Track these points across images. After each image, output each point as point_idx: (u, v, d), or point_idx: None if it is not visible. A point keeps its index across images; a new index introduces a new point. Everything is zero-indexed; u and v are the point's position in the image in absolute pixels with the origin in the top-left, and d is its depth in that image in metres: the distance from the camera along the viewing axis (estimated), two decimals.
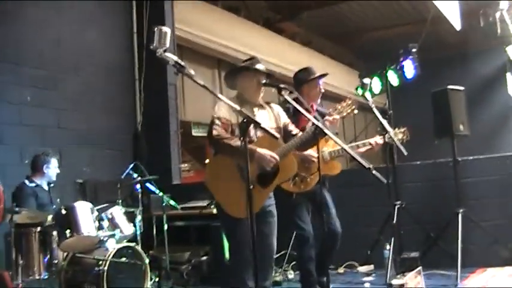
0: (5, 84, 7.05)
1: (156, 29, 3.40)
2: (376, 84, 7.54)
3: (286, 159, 4.28)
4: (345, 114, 4.53)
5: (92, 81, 8.28)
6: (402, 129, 5.62)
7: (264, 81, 4.36)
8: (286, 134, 4.48)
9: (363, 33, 15.18)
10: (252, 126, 3.65)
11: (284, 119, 4.56)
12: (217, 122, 4.16)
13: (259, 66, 4.39)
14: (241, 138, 3.51)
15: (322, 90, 5.44)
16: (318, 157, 4.51)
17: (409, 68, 7.33)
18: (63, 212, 5.48)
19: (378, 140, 5.46)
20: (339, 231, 5.26)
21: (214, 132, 4.12)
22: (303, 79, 5.40)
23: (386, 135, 5.52)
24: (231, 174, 4.10)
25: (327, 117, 4.48)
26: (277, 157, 4.11)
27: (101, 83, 8.44)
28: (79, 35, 8.13)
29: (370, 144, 5.42)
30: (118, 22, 8.99)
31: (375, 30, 14.86)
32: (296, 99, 4.50)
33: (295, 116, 4.86)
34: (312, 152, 4.79)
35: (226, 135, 4.11)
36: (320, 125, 4.21)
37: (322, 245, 5.21)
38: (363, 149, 5.40)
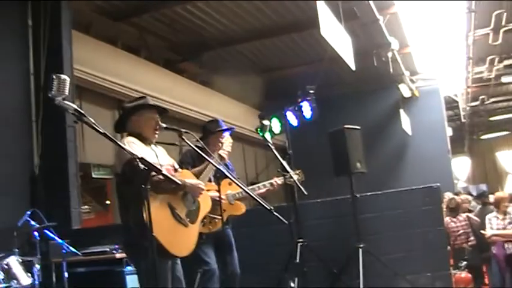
0: None
1: (54, 76, 3.35)
2: (275, 124, 7.72)
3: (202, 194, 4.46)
4: (229, 149, 4.88)
5: None
6: (297, 171, 5.90)
7: (164, 125, 4.43)
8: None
9: (264, 73, 15.52)
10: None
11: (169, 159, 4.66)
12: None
13: (153, 103, 4.50)
14: (143, 185, 3.51)
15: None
16: (220, 199, 4.66)
17: (307, 109, 7.58)
18: None
19: (278, 180, 5.71)
20: (239, 272, 5.40)
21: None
22: (211, 130, 5.61)
23: (287, 175, 5.71)
24: (165, 213, 4.12)
25: (220, 152, 4.73)
26: (203, 184, 4.21)
27: None
28: None
29: (271, 184, 5.65)
30: (14, 64, 8.73)
31: (275, 69, 15.24)
32: (206, 143, 4.68)
33: (200, 158, 4.97)
34: (216, 194, 4.91)
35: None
36: (221, 168, 4.36)
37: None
38: (263, 190, 5.65)
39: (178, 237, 4.15)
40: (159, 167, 3.87)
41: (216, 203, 4.91)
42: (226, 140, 5.33)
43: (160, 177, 3.93)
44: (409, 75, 15.52)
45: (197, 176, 4.64)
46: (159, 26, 11.94)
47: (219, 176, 4.81)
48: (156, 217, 4.03)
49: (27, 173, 8.63)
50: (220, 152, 5.11)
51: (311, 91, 7.33)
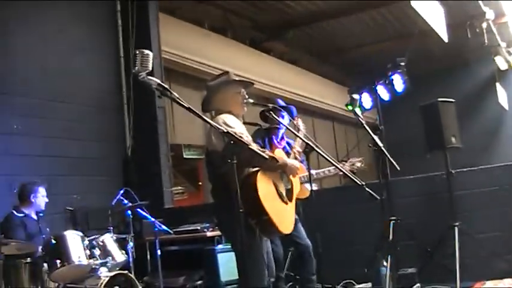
0: None
1: (137, 52, 3.35)
2: (366, 99, 7.50)
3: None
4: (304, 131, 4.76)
5: (80, 108, 8.21)
6: (359, 158, 5.74)
7: (251, 100, 4.34)
8: None
9: (351, 49, 15.20)
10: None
11: None
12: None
13: (238, 78, 4.41)
14: (230, 160, 3.46)
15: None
16: (310, 174, 4.56)
17: (398, 82, 7.32)
18: (53, 241, 5.40)
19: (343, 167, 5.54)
20: (310, 244, 5.42)
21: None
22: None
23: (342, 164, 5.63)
24: (272, 192, 4.10)
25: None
26: (297, 164, 4.19)
27: (89, 109, 8.38)
28: (66, 62, 8.08)
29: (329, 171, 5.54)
30: (105, 48, 8.96)
31: (362, 45, 14.87)
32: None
33: (268, 140, 4.92)
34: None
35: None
36: (311, 143, 4.24)
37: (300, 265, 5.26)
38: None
39: (285, 215, 4.11)
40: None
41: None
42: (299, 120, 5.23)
43: (264, 155, 3.86)
44: (505, 47, 14.78)
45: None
46: (243, 5, 11.89)
47: (307, 151, 4.66)
48: (267, 195, 4.03)
49: (120, 155, 8.86)
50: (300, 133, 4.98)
51: (402, 63, 7.06)
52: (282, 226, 4.06)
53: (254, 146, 3.77)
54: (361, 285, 6.88)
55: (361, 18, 13.09)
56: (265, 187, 4.01)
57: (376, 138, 5.47)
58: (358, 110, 5.66)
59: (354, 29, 13.75)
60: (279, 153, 4.42)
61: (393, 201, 6.54)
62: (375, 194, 4.38)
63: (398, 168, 5.39)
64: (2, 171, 6.88)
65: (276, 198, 4.10)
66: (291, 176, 4.40)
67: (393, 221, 6.25)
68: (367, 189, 4.27)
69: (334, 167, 5.46)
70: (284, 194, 4.23)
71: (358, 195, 4.98)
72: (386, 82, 7.28)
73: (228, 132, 3.49)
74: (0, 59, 7.16)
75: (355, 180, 4.32)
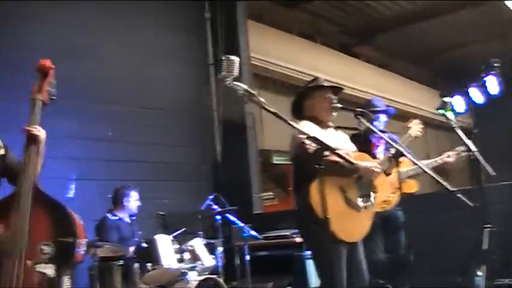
0: (88, 122, 7.24)
1: (223, 58, 3.37)
2: (458, 103, 7.25)
3: (380, 177, 4.26)
4: (419, 134, 4.55)
5: (171, 115, 8.39)
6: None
7: (340, 105, 4.28)
8: None
9: (442, 52, 14.81)
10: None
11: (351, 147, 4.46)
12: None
13: (326, 84, 4.34)
14: (317, 165, 3.41)
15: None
16: (398, 177, 4.47)
17: (493, 84, 7.01)
18: (145, 245, 5.53)
19: (451, 154, 5.38)
20: (406, 259, 5.18)
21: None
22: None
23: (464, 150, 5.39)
24: (335, 197, 3.99)
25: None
26: (379, 167, 4.06)
27: (180, 115, 8.54)
28: (156, 71, 8.28)
29: (442, 160, 5.36)
30: (194, 55, 9.12)
31: (454, 47, 14.47)
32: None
33: (366, 141, 4.82)
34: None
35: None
36: (401, 148, 4.14)
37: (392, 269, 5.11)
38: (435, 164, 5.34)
39: (348, 223, 3.93)
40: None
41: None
42: (415, 124, 5.14)
43: (334, 158, 3.81)
44: None
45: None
46: (331, 10, 11.84)
47: (397, 156, 4.55)
48: (327, 200, 3.97)
49: (210, 160, 8.98)
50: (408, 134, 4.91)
51: (496, 64, 6.77)
52: (342, 233, 3.89)
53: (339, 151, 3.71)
54: None
55: (452, 19, 12.73)
56: (327, 191, 3.94)
57: (469, 142, 5.26)
58: (450, 114, 5.43)
59: (445, 30, 13.38)
60: (362, 156, 4.30)
61: (488, 208, 6.28)
62: (468, 201, 4.21)
63: (493, 173, 5.18)
64: (97, 176, 7.14)
65: (338, 204, 3.95)
66: (377, 182, 4.29)
67: (488, 229, 6.00)
68: (460, 195, 4.12)
69: (439, 158, 5.43)
70: (356, 200, 4.07)
71: (451, 201, 4.84)
72: (480, 84, 7.00)
73: (314, 136, 3.45)
74: (94, 68, 7.40)
75: (446, 186, 4.17)
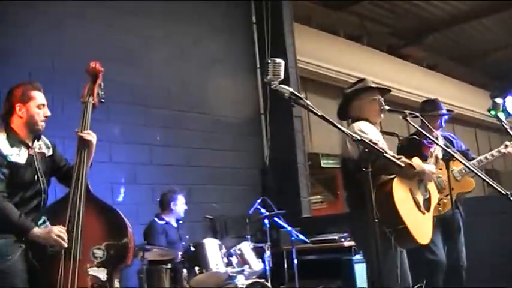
0: (136, 126, 7.32)
1: (269, 61, 3.35)
2: (510, 103, 7.06)
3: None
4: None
5: (219, 119, 8.41)
6: None
7: (388, 107, 4.22)
8: None
9: (493, 52, 14.50)
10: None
11: None
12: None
13: (374, 85, 4.30)
14: (365, 168, 3.35)
15: (442, 126, 5.35)
16: (449, 179, 4.37)
17: None
18: (192, 248, 5.54)
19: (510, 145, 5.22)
20: (465, 263, 5.05)
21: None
22: (426, 110, 5.30)
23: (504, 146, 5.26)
24: (409, 200, 4.02)
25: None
26: (434, 169, 4.11)
27: (228, 119, 8.55)
28: (204, 75, 8.32)
29: (499, 152, 5.18)
30: (241, 59, 9.12)
31: (504, 47, 14.13)
32: (421, 126, 4.41)
33: (417, 142, 4.76)
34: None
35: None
36: (450, 151, 4.07)
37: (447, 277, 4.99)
38: (491, 159, 5.18)
39: (421, 225, 3.97)
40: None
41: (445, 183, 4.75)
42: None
43: (399, 162, 3.74)
44: None
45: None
46: (379, 11, 11.71)
47: (447, 159, 4.46)
48: (403, 203, 3.93)
49: (258, 164, 8.97)
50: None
51: None
52: (419, 236, 3.92)
53: (390, 154, 3.63)
54: None
55: (502, 18, 12.42)
56: (401, 194, 3.92)
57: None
58: (501, 115, 5.28)
59: (495, 30, 13.08)
60: (416, 161, 4.25)
61: None
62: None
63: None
64: (145, 180, 7.21)
65: (412, 207, 3.99)
66: (429, 186, 4.25)
67: None
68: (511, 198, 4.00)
69: (496, 151, 5.28)
70: (421, 203, 4.10)
71: (503, 205, 4.70)
72: None
73: (362, 139, 3.38)
74: (143, 73, 7.49)
75: (499, 189, 4.05)
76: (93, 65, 3.88)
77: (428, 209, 4.17)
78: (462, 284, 4.97)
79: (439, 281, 5.01)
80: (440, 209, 4.91)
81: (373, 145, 3.37)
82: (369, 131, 4.00)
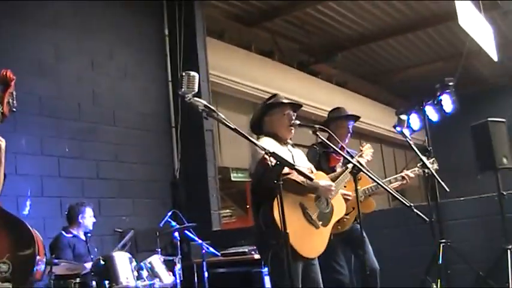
0: (44, 138, 7.15)
1: (184, 74, 3.38)
2: (414, 120, 7.39)
3: (336, 198, 4.34)
4: (370, 158, 4.55)
5: (130, 131, 8.34)
6: (431, 159, 5.53)
7: (298, 122, 4.33)
8: None
9: (399, 71, 15.10)
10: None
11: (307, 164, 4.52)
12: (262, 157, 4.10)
13: (286, 101, 4.39)
14: (276, 181, 3.43)
15: (350, 132, 5.38)
16: (357, 194, 4.43)
17: (447, 102, 7.16)
18: (102, 262, 5.45)
19: (409, 173, 5.35)
20: (377, 268, 5.14)
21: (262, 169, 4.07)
22: (332, 118, 5.39)
23: (427, 171, 5.39)
24: (296, 213, 4.05)
25: (360, 159, 4.47)
26: (334, 186, 4.13)
27: (138, 132, 8.49)
28: (115, 87, 8.25)
29: (403, 177, 5.31)
30: (153, 71, 9.08)
31: (410, 66, 14.76)
32: (329, 139, 4.51)
33: (325, 155, 4.86)
34: (345, 192, 4.77)
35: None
36: (356, 163, 4.18)
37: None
38: (395, 184, 5.30)
39: (308, 239, 4.00)
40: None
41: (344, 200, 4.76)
42: (367, 149, 5.15)
43: (293, 175, 3.86)
44: None
45: (333, 180, 4.50)
46: (291, 28, 11.96)
47: (355, 173, 4.55)
48: (287, 216, 3.99)
49: (169, 177, 8.94)
50: (360, 159, 4.86)
51: (450, 83, 6.93)
52: (303, 249, 3.97)
53: (299, 167, 3.72)
54: None
55: (409, 39, 13.02)
56: (286, 208, 3.99)
57: (424, 159, 5.35)
58: (406, 131, 5.52)
59: (402, 50, 13.67)
60: (320, 175, 4.37)
61: (444, 224, 6.39)
62: (424, 216, 4.27)
63: (448, 189, 5.26)
64: (52, 193, 7.04)
65: (298, 220, 4.02)
66: (335, 201, 4.35)
67: (443, 244, 6.10)
68: (415, 210, 4.19)
69: (393, 178, 5.33)
70: (316, 217, 4.15)
71: (407, 217, 4.92)
72: (435, 102, 7.13)
73: (273, 152, 3.45)
74: (53, 84, 7.35)
75: (403, 201, 4.24)
76: (4, 73, 3.76)
77: (325, 224, 4.22)
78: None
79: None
80: (339, 227, 4.91)
81: (282, 158, 3.46)
82: (268, 146, 4.07)
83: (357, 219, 5.03)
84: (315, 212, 4.16)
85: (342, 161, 5.20)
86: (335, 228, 4.91)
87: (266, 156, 3.74)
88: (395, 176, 5.36)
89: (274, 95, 4.52)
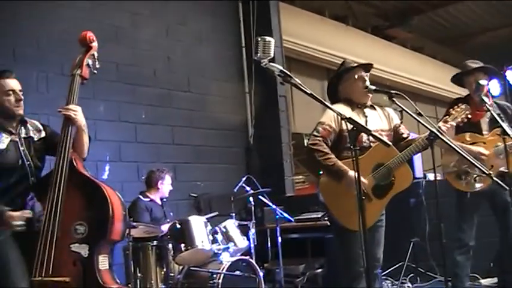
0: (121, 104, 7.32)
1: (259, 39, 3.36)
2: (494, 86, 7.13)
3: (401, 169, 4.13)
4: (459, 119, 4.28)
5: (204, 97, 8.43)
6: None
7: (373, 87, 4.23)
8: (397, 137, 4.33)
9: (477, 34, 14.54)
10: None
11: (396, 120, 4.40)
12: (318, 127, 4.13)
13: (354, 64, 4.30)
14: (352, 146, 3.39)
15: None
16: (434, 163, 4.31)
17: None
18: (178, 226, 5.56)
19: None
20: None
21: (311, 141, 4.11)
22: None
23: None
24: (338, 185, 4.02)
25: (441, 124, 4.25)
26: (366, 183, 3.94)
27: (213, 98, 8.57)
28: (189, 53, 8.31)
29: None
30: (227, 38, 9.11)
31: (489, 29, 14.19)
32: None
33: None
34: (482, 150, 4.84)
35: (322, 150, 4.04)
36: (435, 130, 3.99)
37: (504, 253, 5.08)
38: None
39: (354, 211, 3.55)
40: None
41: (479, 159, 4.69)
42: (462, 111, 4.30)
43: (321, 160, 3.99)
44: None
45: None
46: None
47: (432, 139, 4.27)
48: (336, 188, 4.00)
49: (243, 143, 9.01)
50: (451, 121, 4.24)
51: None
52: (346, 221, 3.97)
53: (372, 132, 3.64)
54: (486, 280, 6.56)
55: (486, 1, 12.45)
56: (331, 180, 4.05)
57: (505, 126, 5.12)
58: (486, 97, 5.31)
59: (480, 12, 13.13)
60: (378, 148, 4.06)
61: None
62: (503, 184, 4.13)
63: None
64: (129, 158, 7.22)
65: (346, 192, 3.90)
66: (397, 171, 4.11)
67: None
68: (495, 178, 4.04)
69: None
70: (369, 189, 4.01)
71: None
72: None
73: (350, 118, 3.40)
74: (130, 51, 7.48)
75: (482, 169, 4.09)
76: (84, 35, 3.80)
77: (379, 196, 4.08)
78: None
79: (464, 260, 5.12)
80: (478, 185, 4.92)
81: (357, 123, 3.41)
82: (343, 112, 3.99)
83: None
84: (370, 184, 4.05)
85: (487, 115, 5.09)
86: (472, 187, 4.90)
87: (328, 128, 4.06)
88: None
89: (343, 63, 4.44)
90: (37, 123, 3.83)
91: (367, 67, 4.30)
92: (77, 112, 3.65)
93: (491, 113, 4.91)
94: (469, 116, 4.33)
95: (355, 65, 4.31)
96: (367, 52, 11.78)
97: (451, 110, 4.30)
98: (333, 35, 11.43)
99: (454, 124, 4.24)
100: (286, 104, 9.27)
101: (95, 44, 3.81)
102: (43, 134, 3.80)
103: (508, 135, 4.56)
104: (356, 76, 4.22)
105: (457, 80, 5.43)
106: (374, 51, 12.27)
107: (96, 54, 3.81)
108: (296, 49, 10.42)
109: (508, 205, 4.83)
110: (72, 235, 3.46)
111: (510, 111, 5.29)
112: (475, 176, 4.85)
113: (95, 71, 3.79)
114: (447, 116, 4.26)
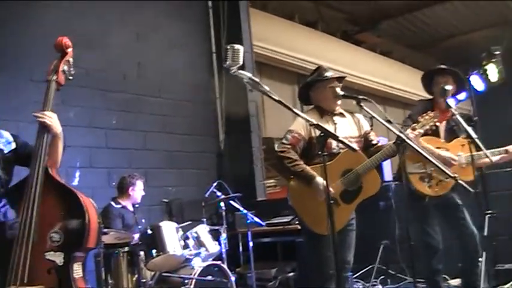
0: (92, 110, 7.29)
1: (228, 47, 3.40)
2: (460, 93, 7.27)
3: (369, 174, 4.20)
4: (427, 127, 4.37)
5: (175, 103, 8.43)
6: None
7: (342, 92, 4.30)
8: (367, 144, 4.41)
9: (444, 39, 14.76)
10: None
11: (366, 127, 4.48)
12: (287, 135, 4.24)
13: (329, 74, 4.35)
14: (321, 152, 3.45)
15: None
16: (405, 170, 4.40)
17: (493, 72, 7.04)
18: (149, 231, 5.56)
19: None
20: (476, 232, 5.09)
21: (280, 148, 4.23)
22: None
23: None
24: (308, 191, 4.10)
25: (409, 131, 4.33)
26: (333, 191, 3.96)
27: (184, 103, 8.57)
28: (161, 59, 8.30)
29: (506, 151, 5.09)
30: (197, 43, 9.13)
31: (456, 35, 14.41)
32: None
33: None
34: (452, 155, 4.90)
35: (290, 157, 4.15)
36: (404, 136, 4.05)
37: (465, 255, 5.11)
38: (497, 157, 5.16)
39: (322, 215, 3.65)
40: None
41: (448, 164, 4.79)
42: (430, 119, 4.40)
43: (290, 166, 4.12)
44: None
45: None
46: None
47: (399, 143, 4.35)
48: (305, 193, 4.10)
49: (214, 148, 9.03)
50: (418, 129, 4.36)
51: (497, 52, 6.78)
52: (316, 226, 4.06)
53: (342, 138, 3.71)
54: (454, 281, 6.68)
55: (454, 6, 12.66)
56: (300, 185, 4.17)
57: (470, 130, 5.24)
58: (451, 101, 5.42)
59: (448, 17, 13.34)
60: (346, 154, 4.14)
61: (489, 195, 6.30)
62: (468, 187, 4.22)
63: (493, 160, 5.16)
64: (101, 164, 7.20)
65: (314, 197, 4.02)
66: (365, 177, 4.20)
67: (489, 215, 6.01)
68: (460, 181, 4.13)
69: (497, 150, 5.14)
70: (337, 194, 4.09)
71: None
72: (481, 72, 7.01)
73: (318, 124, 3.48)
74: (100, 57, 7.44)
75: (448, 173, 4.17)
76: (60, 40, 3.75)
77: (348, 202, 4.16)
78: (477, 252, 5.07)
79: (436, 264, 5.16)
80: (437, 189, 4.95)
81: (326, 130, 3.47)
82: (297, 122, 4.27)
83: (455, 187, 4.91)
84: (339, 189, 4.12)
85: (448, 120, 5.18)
86: (433, 191, 4.94)
87: (297, 136, 4.17)
88: (498, 149, 5.19)
89: (318, 68, 4.50)
90: (7, 134, 3.77)
91: (340, 79, 4.38)
92: (52, 119, 3.60)
93: (457, 118, 5.01)
94: (437, 124, 4.44)
95: (330, 76, 4.35)
96: (337, 56, 11.88)
97: (420, 117, 4.39)
98: (303, 39, 11.50)
99: (422, 132, 4.34)
100: (257, 109, 9.31)
101: (70, 50, 3.78)
102: (13, 146, 3.74)
103: (476, 142, 4.67)
104: (328, 86, 4.29)
105: (426, 82, 5.49)
106: (343, 56, 12.37)
107: (71, 60, 3.77)
108: (267, 54, 10.45)
109: (460, 207, 5.04)
110: (47, 243, 3.40)
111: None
112: (439, 180, 4.94)
113: (70, 77, 3.76)
114: (415, 124, 4.35)
